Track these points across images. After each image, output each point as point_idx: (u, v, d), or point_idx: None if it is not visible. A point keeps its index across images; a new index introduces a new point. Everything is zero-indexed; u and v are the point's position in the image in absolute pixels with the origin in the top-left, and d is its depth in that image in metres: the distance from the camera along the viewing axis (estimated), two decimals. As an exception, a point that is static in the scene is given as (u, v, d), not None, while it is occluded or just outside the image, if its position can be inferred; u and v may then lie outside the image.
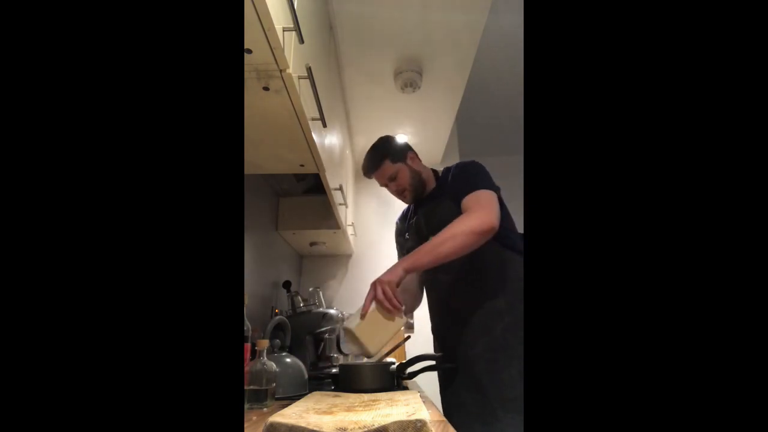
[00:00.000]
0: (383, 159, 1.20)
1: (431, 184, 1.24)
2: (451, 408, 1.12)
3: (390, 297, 0.94)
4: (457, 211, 1.08)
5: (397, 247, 1.36)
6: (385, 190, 1.28)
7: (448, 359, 1.09)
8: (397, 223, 1.37)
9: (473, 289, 1.10)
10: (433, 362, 1.06)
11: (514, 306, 1.06)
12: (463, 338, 1.09)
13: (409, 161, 1.22)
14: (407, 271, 0.97)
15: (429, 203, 1.21)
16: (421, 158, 1.27)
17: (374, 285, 0.96)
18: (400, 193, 1.23)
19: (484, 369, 1.04)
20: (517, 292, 1.07)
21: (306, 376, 1.01)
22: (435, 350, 1.24)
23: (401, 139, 1.30)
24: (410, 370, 1.01)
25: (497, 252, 1.09)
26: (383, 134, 1.27)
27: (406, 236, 1.27)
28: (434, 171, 1.27)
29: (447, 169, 1.23)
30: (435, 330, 1.24)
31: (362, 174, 1.28)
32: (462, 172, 1.16)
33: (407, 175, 1.20)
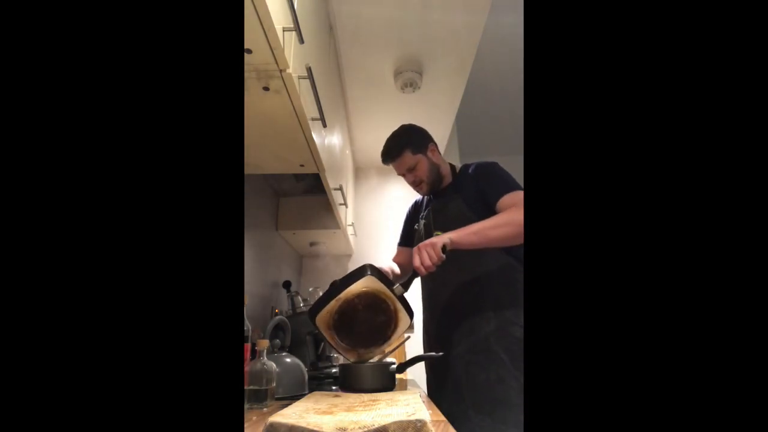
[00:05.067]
0: (404, 149, 1.18)
1: (448, 178, 1.23)
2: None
3: (433, 258, 0.92)
4: (467, 212, 1.08)
5: (402, 233, 1.35)
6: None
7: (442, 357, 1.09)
8: (410, 208, 1.36)
9: (467, 291, 1.10)
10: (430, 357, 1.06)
11: (502, 313, 1.05)
12: (448, 336, 1.09)
13: (429, 153, 1.20)
14: (453, 243, 0.95)
15: (441, 199, 1.20)
16: None
17: (420, 248, 0.94)
18: (416, 185, 1.22)
19: (463, 369, 1.04)
20: (509, 300, 1.06)
21: (306, 376, 1.01)
22: (423, 345, 1.24)
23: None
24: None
25: (498, 257, 1.08)
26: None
27: (415, 227, 1.27)
28: (452, 166, 1.26)
29: (465, 167, 1.21)
30: (425, 325, 1.24)
31: (381, 161, 1.25)
32: (490, 172, 1.14)
33: (426, 168, 1.19)
